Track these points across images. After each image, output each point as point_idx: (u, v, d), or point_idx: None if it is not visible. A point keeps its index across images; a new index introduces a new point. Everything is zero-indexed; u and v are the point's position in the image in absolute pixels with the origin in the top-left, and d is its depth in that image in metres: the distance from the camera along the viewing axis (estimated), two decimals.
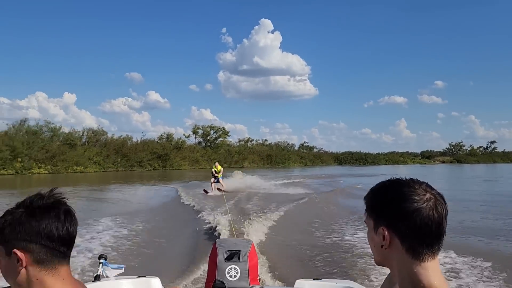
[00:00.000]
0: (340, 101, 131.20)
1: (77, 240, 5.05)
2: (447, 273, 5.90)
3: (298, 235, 9.18)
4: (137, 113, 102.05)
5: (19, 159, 37.31)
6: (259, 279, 3.00)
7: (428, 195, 0.99)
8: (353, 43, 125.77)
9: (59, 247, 1.04)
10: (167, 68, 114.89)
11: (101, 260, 2.48)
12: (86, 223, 9.84)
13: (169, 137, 63.24)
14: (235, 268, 2.51)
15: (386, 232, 1.00)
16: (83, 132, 50.58)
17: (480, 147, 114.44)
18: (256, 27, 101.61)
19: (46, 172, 39.26)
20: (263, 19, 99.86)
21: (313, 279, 2.77)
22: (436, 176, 39.73)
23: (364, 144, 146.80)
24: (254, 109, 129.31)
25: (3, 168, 35.93)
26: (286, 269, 6.15)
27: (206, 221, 10.09)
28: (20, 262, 1.02)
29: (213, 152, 65.62)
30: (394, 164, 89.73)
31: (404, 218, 0.97)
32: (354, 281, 3.34)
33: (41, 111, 75.17)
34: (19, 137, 40.59)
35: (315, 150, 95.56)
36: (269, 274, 5.79)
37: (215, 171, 19.07)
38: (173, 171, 49.14)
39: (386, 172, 46.03)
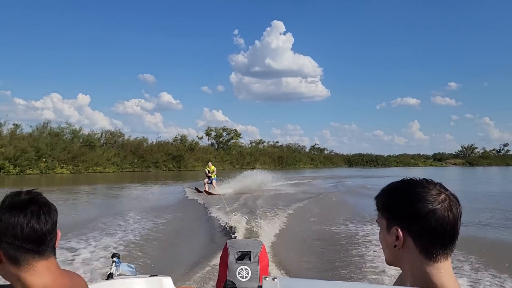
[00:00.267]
0: (352, 102, 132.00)
1: (90, 239, 7.07)
2: (458, 274, 5.81)
3: (308, 235, 9.21)
4: (150, 114, 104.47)
5: (44, 160, 39.53)
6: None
7: (442, 196, 0.99)
8: (366, 44, 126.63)
9: (26, 244, 1.08)
10: (179, 69, 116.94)
11: (114, 259, 2.52)
12: (102, 221, 10.06)
13: (183, 138, 65.33)
14: (246, 269, 2.54)
15: (400, 232, 0.99)
16: (101, 134, 52.81)
17: (493, 149, 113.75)
18: (268, 28, 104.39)
19: (68, 172, 41.42)
20: (275, 20, 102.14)
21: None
22: (449, 177, 40.30)
23: (376, 146, 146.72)
24: (265, 111, 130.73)
25: (29, 168, 38.15)
26: (296, 270, 6.14)
27: (218, 220, 10.23)
28: None
29: (225, 153, 67.43)
30: (405, 167, 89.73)
31: (419, 218, 0.97)
32: (364, 281, 3.33)
33: (56, 112, 77.32)
34: (42, 139, 42.81)
35: (325, 152, 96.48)
36: (278, 276, 6.31)
37: (208, 171, 18.82)
38: (187, 171, 50.89)
39: (394, 174, 47.00)
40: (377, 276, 5.60)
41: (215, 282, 2.66)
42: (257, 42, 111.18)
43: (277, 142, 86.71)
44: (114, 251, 5.74)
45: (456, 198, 1.02)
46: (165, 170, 51.57)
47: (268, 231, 8.73)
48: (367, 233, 8.80)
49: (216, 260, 5.76)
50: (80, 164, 43.04)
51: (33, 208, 1.10)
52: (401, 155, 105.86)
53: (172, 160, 54.62)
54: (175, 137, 66.14)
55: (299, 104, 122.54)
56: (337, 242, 8.31)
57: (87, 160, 43.95)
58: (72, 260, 6.46)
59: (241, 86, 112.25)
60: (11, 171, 36.39)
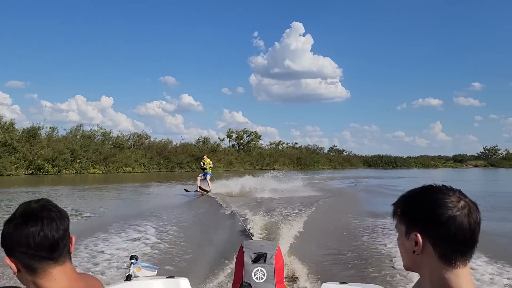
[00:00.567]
0: (372, 103, 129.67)
1: (110, 239, 8.04)
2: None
3: (324, 236, 9.22)
4: (171, 115, 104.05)
5: (78, 160, 42.48)
6: (285, 281, 3.09)
7: (462, 203, 1.00)
8: (386, 45, 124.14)
9: (39, 252, 1.11)
10: (200, 72, 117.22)
11: (132, 261, 2.53)
12: (121, 222, 10.23)
13: (205, 140, 67.92)
14: (261, 270, 2.55)
15: (420, 238, 1.00)
16: (129, 136, 55.81)
17: None
18: (288, 30, 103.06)
19: (100, 172, 44.25)
20: (294, 22, 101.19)
21: (340, 283, 2.76)
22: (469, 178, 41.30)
23: (397, 148, 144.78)
24: (285, 112, 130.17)
25: (65, 168, 41.12)
26: (312, 271, 6.05)
27: (233, 220, 10.27)
28: (12, 268, 1.14)
29: (246, 154, 69.61)
30: (424, 168, 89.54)
31: (439, 224, 0.98)
32: (380, 285, 3.36)
33: (80, 114, 79.04)
34: (76, 141, 45.90)
35: (344, 153, 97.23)
36: (295, 277, 5.76)
37: (203, 163, 18.37)
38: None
39: (407, 175, 47.92)
40: (393, 281, 5.52)
41: (231, 283, 2.70)
42: (276, 43, 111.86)
43: (296, 143, 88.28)
44: (132, 252, 5.95)
45: (476, 205, 1.02)
46: (189, 171, 53.95)
47: (284, 231, 8.60)
48: (386, 233, 8.74)
49: (232, 261, 5.80)
50: (111, 165, 45.84)
51: (44, 216, 1.13)
52: (421, 157, 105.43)
53: (195, 161, 56.94)
54: (198, 138, 68.96)
55: (318, 105, 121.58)
56: (355, 244, 8.23)
57: (117, 161, 46.75)
58: (92, 260, 6.54)
59: (260, 87, 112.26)
60: (49, 171, 39.44)
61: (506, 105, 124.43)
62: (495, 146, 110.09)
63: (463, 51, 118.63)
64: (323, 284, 2.65)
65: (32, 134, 42.83)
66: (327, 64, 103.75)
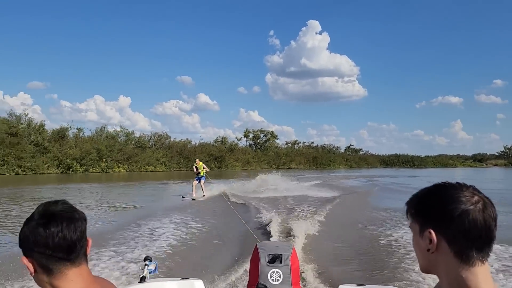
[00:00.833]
0: (390, 101, 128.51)
1: (125, 239, 8.23)
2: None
3: (340, 236, 9.06)
4: (188, 115, 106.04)
5: (104, 160, 44.74)
6: (302, 283, 3.07)
7: (476, 197, 0.97)
8: (404, 42, 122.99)
9: (57, 253, 1.12)
10: (216, 71, 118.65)
11: (146, 262, 2.54)
12: (137, 222, 10.21)
13: (223, 140, 69.70)
14: (277, 272, 2.54)
15: (433, 235, 0.98)
16: (150, 136, 57.98)
17: None
18: (304, 28, 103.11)
19: (124, 171, 46.38)
20: (310, 20, 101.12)
21: (357, 285, 2.75)
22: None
23: (416, 147, 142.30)
24: (301, 111, 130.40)
25: (92, 167, 43.39)
26: (328, 273, 5.97)
27: (246, 220, 10.19)
28: (29, 268, 1.15)
29: (262, 154, 71.08)
30: (442, 167, 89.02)
31: (452, 220, 0.96)
32: (398, 287, 2.96)
33: (99, 113, 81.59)
34: (101, 141, 48.16)
35: (361, 152, 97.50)
36: (311, 279, 5.67)
37: (196, 167, 17.72)
38: (227, 171, 54.92)
39: (425, 174, 48.23)
40: (411, 283, 5.47)
41: (246, 285, 2.68)
42: (292, 42, 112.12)
43: (312, 142, 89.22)
44: (147, 253, 5.96)
45: (490, 201, 0.99)
46: (208, 170, 55.65)
47: (298, 230, 8.55)
48: (402, 236, 8.66)
49: (246, 262, 5.86)
50: (134, 164, 47.97)
51: (62, 218, 1.14)
52: (439, 156, 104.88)
53: (214, 160, 58.82)
54: (216, 138, 70.81)
55: (335, 104, 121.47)
56: (372, 245, 8.12)
57: (140, 160, 48.86)
58: (105, 261, 6.47)
59: (276, 86, 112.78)
60: (78, 169, 41.77)
61: None
62: None
63: (484, 48, 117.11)
64: (340, 286, 2.63)
65: (61, 134, 45.32)
66: (344, 62, 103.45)
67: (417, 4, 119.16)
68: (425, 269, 1.05)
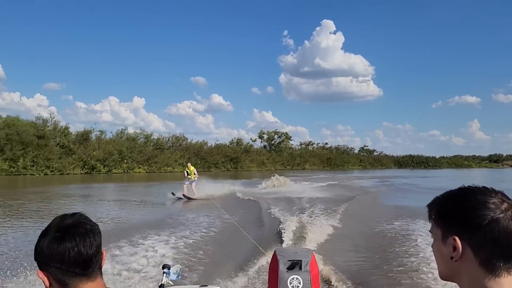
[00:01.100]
0: (406, 101, 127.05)
1: (142, 245, 7.85)
2: None
3: (357, 239, 8.88)
4: (201, 115, 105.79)
5: (125, 161, 46.81)
6: None
7: (505, 205, 0.91)
8: (420, 41, 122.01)
9: (73, 268, 1.11)
10: (230, 71, 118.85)
11: (165, 270, 2.55)
12: (153, 225, 10.08)
13: (238, 141, 71.34)
14: (297, 278, 2.52)
15: (459, 242, 0.92)
16: (168, 138, 59.99)
17: None
18: (318, 28, 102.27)
19: (144, 171, 48.39)
20: (324, 20, 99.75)
21: None
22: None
23: (432, 147, 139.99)
24: (315, 111, 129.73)
25: (115, 168, 45.52)
26: (347, 279, 5.85)
27: (264, 224, 10.10)
28: (44, 282, 1.15)
29: (277, 155, 72.46)
30: (457, 168, 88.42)
31: (480, 227, 0.89)
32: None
33: (113, 114, 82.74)
34: (122, 143, 50.29)
35: (375, 153, 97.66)
36: (331, 285, 5.63)
37: (187, 172, 17.85)
38: (243, 171, 56.47)
39: (437, 175, 48.55)
40: (434, 283, 5.40)
41: None
42: (306, 42, 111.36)
43: (326, 143, 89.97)
44: (165, 259, 5.94)
45: None
46: (224, 170, 57.33)
47: (316, 235, 8.45)
48: (418, 235, 8.54)
49: (264, 269, 5.89)
50: (154, 165, 50.01)
51: (78, 233, 1.13)
52: (454, 156, 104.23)
53: (229, 161, 60.45)
54: (232, 140, 72.43)
55: (350, 104, 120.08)
56: (388, 244, 8.07)
57: (159, 161, 50.85)
58: (125, 268, 6.27)
59: (290, 87, 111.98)
60: (101, 170, 43.90)
61: None
62: None
63: (501, 47, 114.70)
64: None
65: (85, 137, 47.62)
66: (358, 62, 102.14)
67: (433, 3, 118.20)
68: (446, 277, 0.99)
